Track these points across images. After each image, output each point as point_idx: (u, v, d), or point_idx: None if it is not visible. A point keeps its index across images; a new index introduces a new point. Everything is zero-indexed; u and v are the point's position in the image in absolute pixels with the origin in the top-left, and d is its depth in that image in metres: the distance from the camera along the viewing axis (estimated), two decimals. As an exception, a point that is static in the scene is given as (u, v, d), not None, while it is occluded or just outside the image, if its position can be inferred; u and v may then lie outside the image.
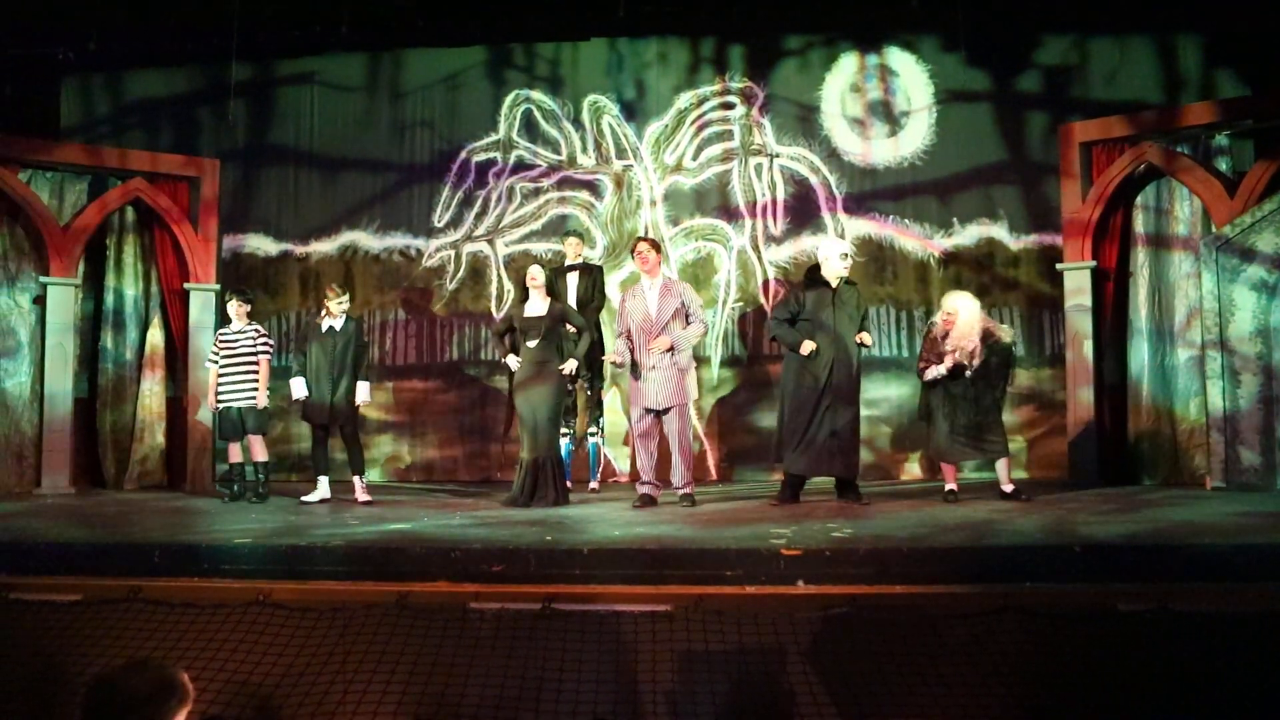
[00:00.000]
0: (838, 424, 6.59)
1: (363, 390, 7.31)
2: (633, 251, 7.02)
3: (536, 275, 6.94)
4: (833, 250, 6.77)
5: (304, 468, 9.44)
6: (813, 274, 6.83)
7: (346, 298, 7.43)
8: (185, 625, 4.24)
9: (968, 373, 6.63)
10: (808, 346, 6.62)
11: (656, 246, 6.96)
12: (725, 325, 9.31)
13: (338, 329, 7.31)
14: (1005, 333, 6.81)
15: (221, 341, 7.65)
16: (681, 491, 6.75)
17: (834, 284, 6.72)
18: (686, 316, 6.78)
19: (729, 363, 9.35)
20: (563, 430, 7.47)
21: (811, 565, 4.53)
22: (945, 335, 6.68)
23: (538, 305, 6.91)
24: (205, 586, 4.71)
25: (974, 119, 9.10)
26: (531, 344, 6.81)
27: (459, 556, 4.76)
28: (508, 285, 9.53)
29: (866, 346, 6.79)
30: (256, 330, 7.68)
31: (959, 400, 6.68)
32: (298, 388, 7.29)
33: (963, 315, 6.64)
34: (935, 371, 6.68)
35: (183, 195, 9.03)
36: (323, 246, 9.77)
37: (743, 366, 9.31)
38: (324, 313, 7.37)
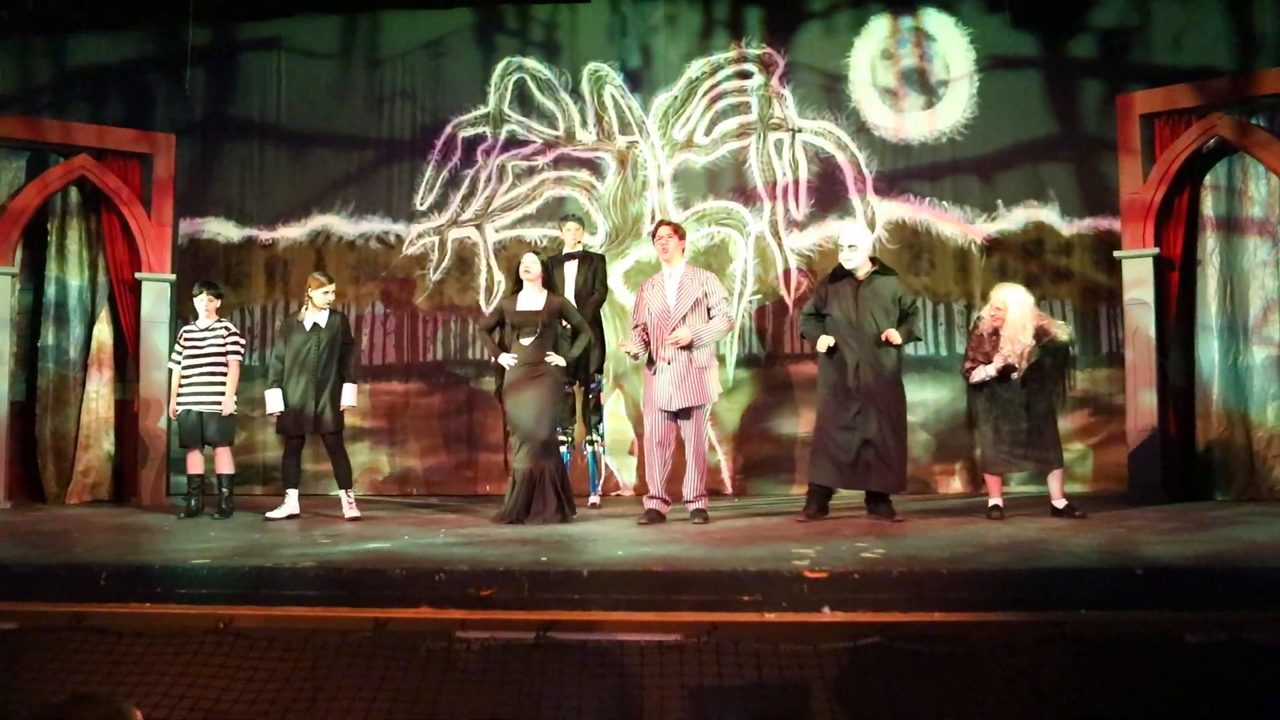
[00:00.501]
0: (870, 432, 6.58)
1: (349, 394, 7.32)
2: (653, 235, 7.01)
3: (531, 265, 6.94)
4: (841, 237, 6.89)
5: (271, 480, 9.45)
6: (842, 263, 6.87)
7: (333, 288, 7.42)
8: (135, 657, 4.23)
9: (1015, 375, 6.61)
10: (824, 342, 6.68)
11: (679, 231, 6.95)
12: (742, 320, 9.29)
13: (322, 324, 7.31)
14: (1061, 330, 6.79)
15: (186, 339, 7.64)
16: (693, 506, 6.74)
17: (860, 274, 6.72)
18: (709, 310, 6.76)
19: (746, 362, 9.33)
20: (559, 438, 7.46)
21: (838, 589, 4.52)
22: (993, 333, 6.66)
23: (533, 298, 6.91)
24: (158, 613, 4.70)
25: (1021, 89, 9.08)
26: (526, 341, 6.82)
27: (443, 579, 4.75)
28: (498, 275, 9.53)
29: (893, 345, 6.70)
30: (226, 328, 7.67)
31: (1009, 405, 6.66)
32: (273, 401, 7.29)
33: (1013, 311, 6.62)
34: (983, 373, 6.66)
35: (134, 174, 9.03)
36: (291, 232, 9.77)
37: (761, 367, 9.30)
38: (305, 306, 7.37)
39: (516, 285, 7.06)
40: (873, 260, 6.84)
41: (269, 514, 7.28)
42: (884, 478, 6.66)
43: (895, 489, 6.74)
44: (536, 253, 7.19)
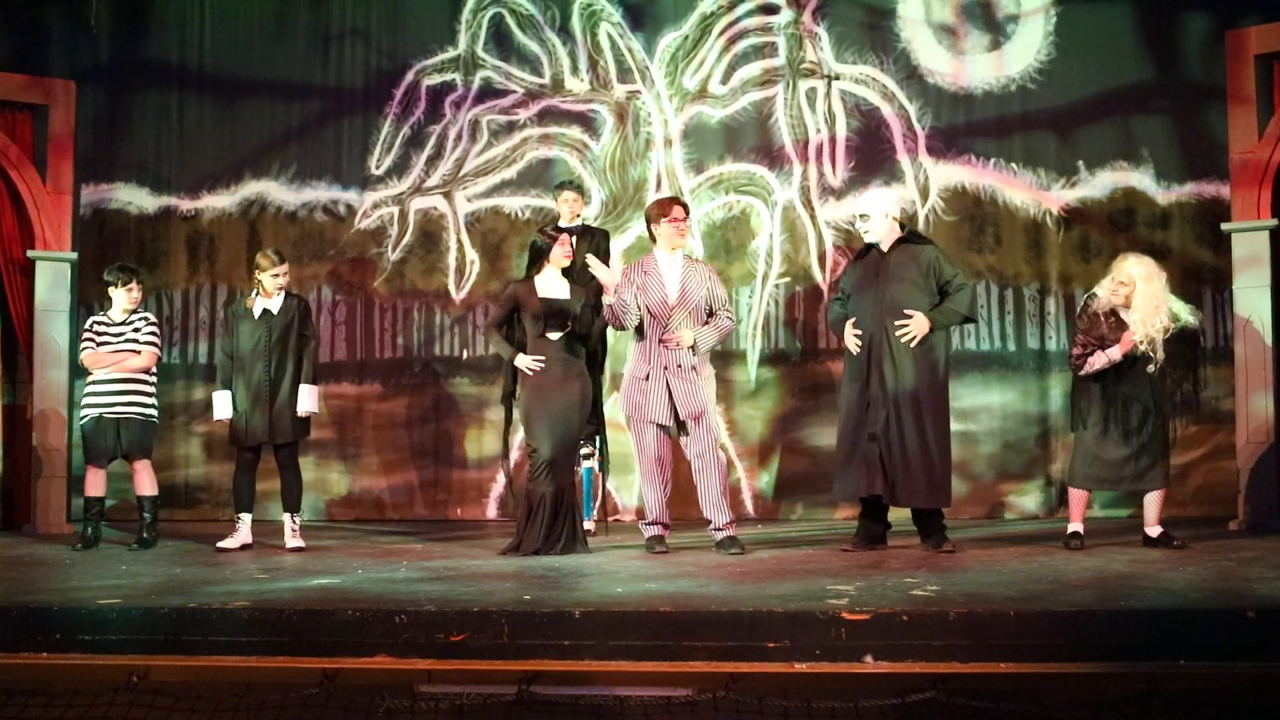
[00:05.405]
0: (878, 425, 6.63)
1: (306, 397, 7.37)
2: (666, 216, 6.88)
3: (561, 242, 6.94)
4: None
5: (194, 502, 9.51)
6: None
7: (285, 268, 7.49)
8: (30, 718, 4.25)
9: (1152, 368, 6.59)
10: (851, 340, 6.77)
11: (687, 212, 7.12)
12: (766, 308, 9.31)
13: (275, 311, 7.40)
14: (1185, 311, 6.76)
15: (99, 332, 7.63)
16: (723, 534, 6.81)
17: (884, 247, 6.80)
18: (709, 312, 6.89)
19: (772, 359, 9.34)
20: (583, 451, 7.54)
21: (884, 634, 4.54)
22: (1111, 313, 6.66)
23: (558, 283, 6.93)
24: (57, 665, 4.72)
25: (1108, 24, 9.09)
26: (555, 337, 6.84)
27: (405, 622, 4.77)
28: (471, 254, 9.54)
29: (925, 330, 6.61)
30: (147, 320, 7.69)
31: (1129, 406, 6.64)
32: (221, 405, 7.39)
33: (1142, 287, 6.61)
34: (1104, 359, 6.61)
35: (24, 130, 9.03)
36: (218, 201, 9.78)
37: (792, 366, 9.31)
38: (255, 290, 7.43)
39: (530, 267, 7.06)
40: (901, 227, 6.88)
41: (220, 544, 7.34)
42: (909, 492, 6.67)
43: (924, 503, 6.71)
44: (557, 230, 7.16)
